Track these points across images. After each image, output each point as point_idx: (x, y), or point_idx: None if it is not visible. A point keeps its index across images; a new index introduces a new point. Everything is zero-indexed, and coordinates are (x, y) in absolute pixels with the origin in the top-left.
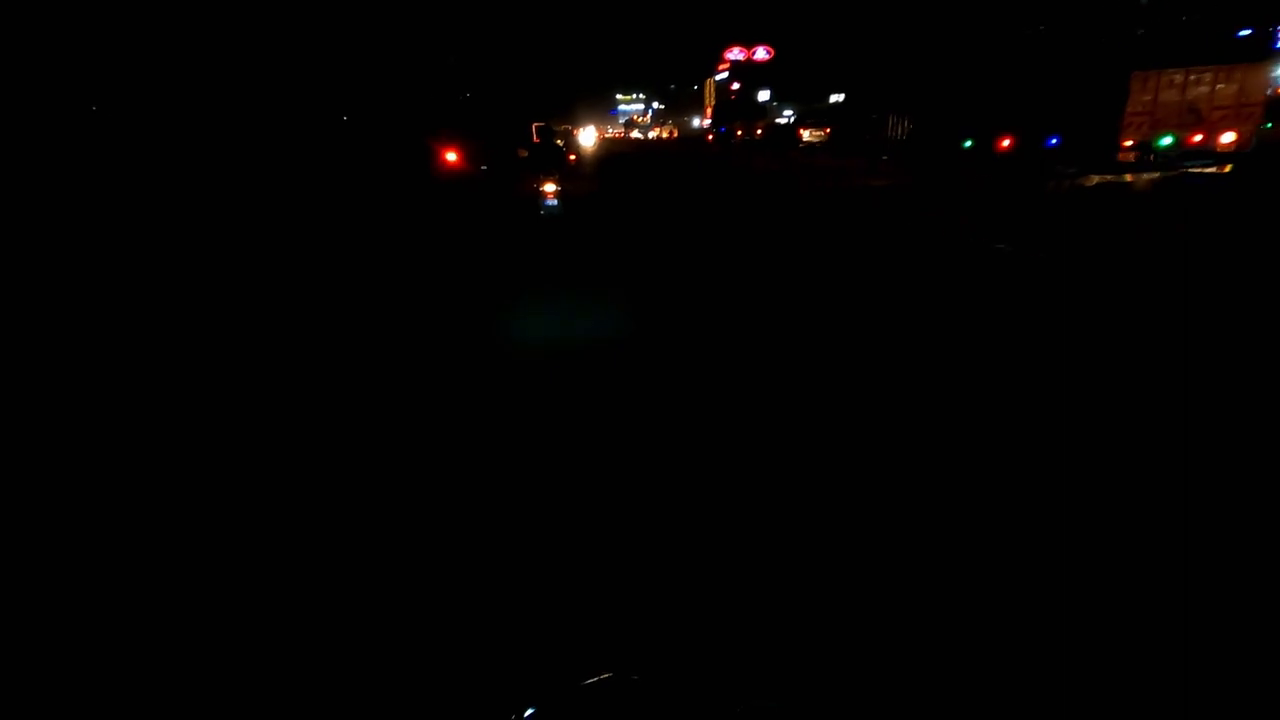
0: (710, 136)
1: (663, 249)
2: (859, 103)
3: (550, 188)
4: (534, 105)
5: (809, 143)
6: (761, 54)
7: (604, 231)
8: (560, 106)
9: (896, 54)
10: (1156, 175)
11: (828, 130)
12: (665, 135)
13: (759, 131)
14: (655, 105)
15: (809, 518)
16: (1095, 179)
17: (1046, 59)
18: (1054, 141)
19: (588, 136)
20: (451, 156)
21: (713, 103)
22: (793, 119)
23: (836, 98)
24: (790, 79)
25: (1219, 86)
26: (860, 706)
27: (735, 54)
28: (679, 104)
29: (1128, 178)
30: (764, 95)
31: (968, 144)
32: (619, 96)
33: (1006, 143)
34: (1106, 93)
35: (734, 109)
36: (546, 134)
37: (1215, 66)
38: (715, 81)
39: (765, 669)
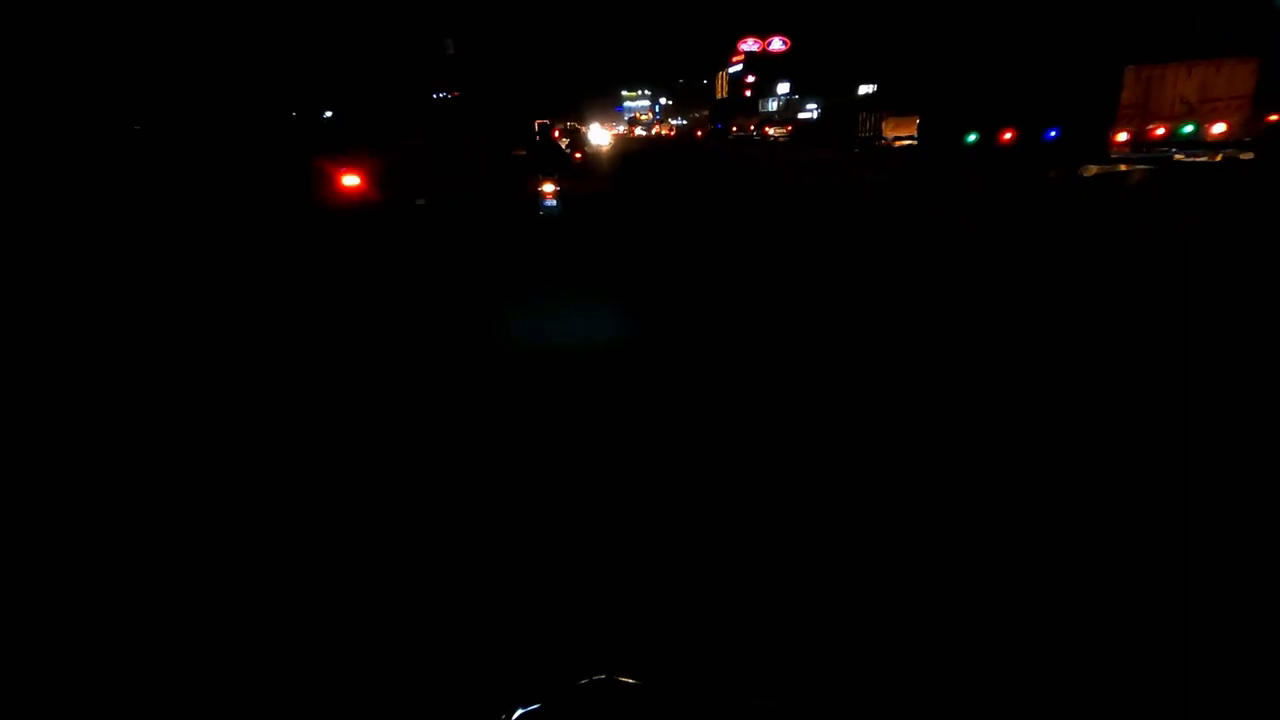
0: (700, 133)
1: (660, 252)
2: (837, 104)
3: (549, 188)
4: (536, 102)
5: (773, 138)
6: (777, 44)
7: (604, 232)
8: (566, 104)
9: (908, 49)
10: (1149, 165)
11: (789, 128)
12: (665, 133)
13: (751, 128)
14: (662, 101)
15: (809, 514)
16: (1093, 169)
17: (1044, 55)
18: (1052, 134)
19: (601, 136)
20: (351, 180)
21: (724, 96)
22: (816, 113)
23: (867, 89)
24: (810, 71)
25: (1209, 79)
26: (860, 707)
27: (749, 45)
28: (686, 100)
29: (1122, 168)
30: (783, 88)
31: (972, 138)
32: (624, 93)
33: (1008, 136)
34: (1101, 86)
35: (730, 106)
36: (546, 132)
37: (1205, 60)
38: (728, 74)
39: (765, 670)
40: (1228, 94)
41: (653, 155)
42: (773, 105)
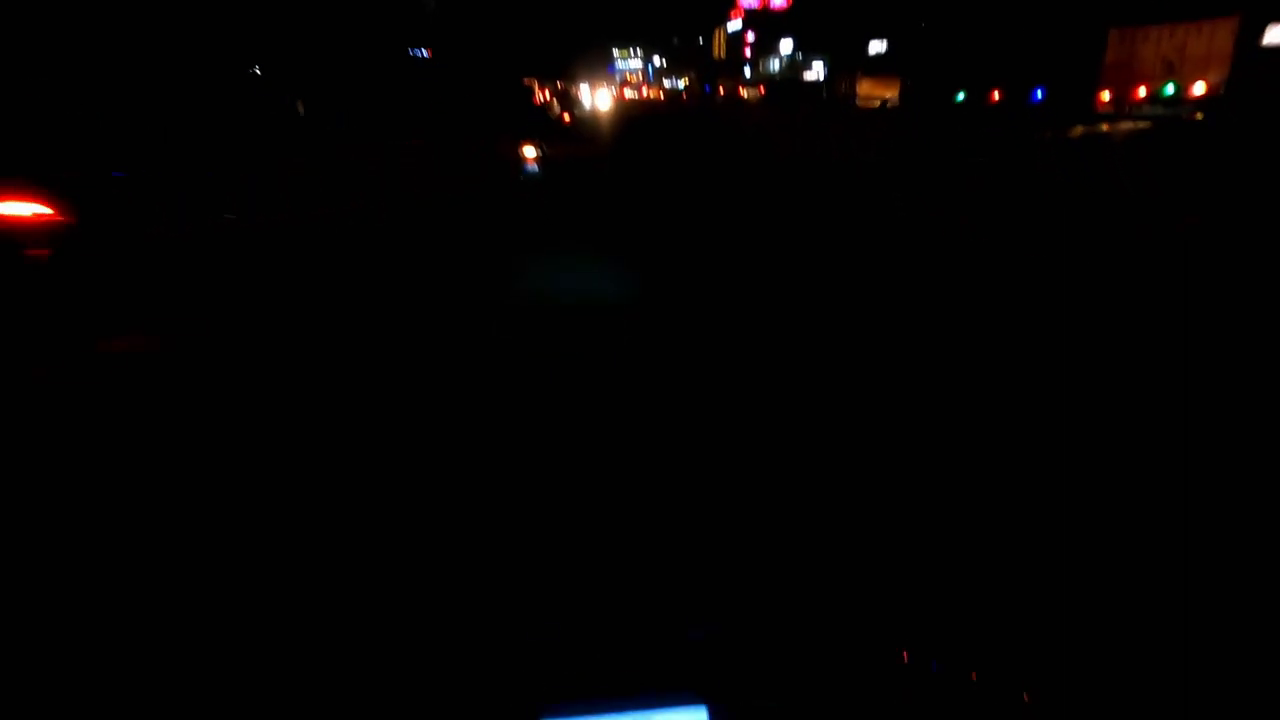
0: (685, 95)
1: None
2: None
3: (530, 152)
4: (521, 63)
5: (747, 100)
6: (778, 0)
7: (581, 201)
8: (555, 64)
9: (905, 6)
10: (1132, 125)
11: (761, 88)
12: (652, 95)
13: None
14: (656, 61)
15: (804, 503)
16: (1079, 129)
17: (1031, 17)
18: (1038, 95)
19: (601, 99)
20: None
21: (721, 55)
22: (824, 75)
23: (878, 46)
24: (815, 27)
25: (1190, 40)
26: (860, 706)
27: (749, 0)
28: (683, 59)
29: (1105, 127)
30: (786, 46)
31: (960, 97)
32: (616, 52)
33: (996, 97)
34: (1086, 48)
35: (717, 68)
36: (528, 94)
37: (1186, 22)
38: (726, 32)
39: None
40: (1208, 53)
41: (643, 118)
42: (774, 65)
